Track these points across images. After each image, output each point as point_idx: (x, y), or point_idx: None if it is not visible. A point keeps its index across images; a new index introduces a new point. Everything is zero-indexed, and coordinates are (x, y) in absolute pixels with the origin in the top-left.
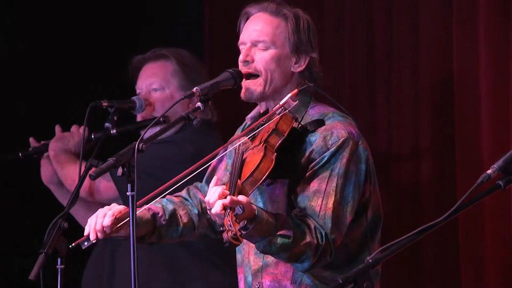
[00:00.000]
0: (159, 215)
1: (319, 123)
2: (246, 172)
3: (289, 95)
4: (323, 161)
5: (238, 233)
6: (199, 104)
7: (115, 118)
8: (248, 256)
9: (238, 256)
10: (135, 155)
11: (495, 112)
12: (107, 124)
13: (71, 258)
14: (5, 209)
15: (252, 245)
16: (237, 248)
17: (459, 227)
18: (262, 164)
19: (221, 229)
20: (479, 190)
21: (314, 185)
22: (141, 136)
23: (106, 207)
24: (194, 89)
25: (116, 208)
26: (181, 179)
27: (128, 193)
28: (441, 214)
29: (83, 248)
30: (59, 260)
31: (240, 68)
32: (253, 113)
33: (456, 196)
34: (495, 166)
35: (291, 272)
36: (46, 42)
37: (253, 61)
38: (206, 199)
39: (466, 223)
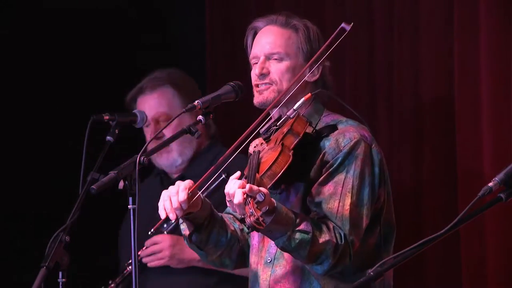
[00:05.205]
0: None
1: (332, 128)
2: (264, 167)
3: (303, 99)
4: (337, 163)
5: (261, 218)
6: (200, 117)
7: (117, 131)
8: (257, 266)
9: (250, 274)
10: (137, 168)
11: (496, 124)
12: (108, 138)
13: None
14: (5, 222)
15: (262, 255)
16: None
17: (461, 240)
18: (280, 158)
19: (243, 216)
20: (480, 203)
21: (329, 188)
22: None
23: (171, 187)
24: (196, 102)
25: (185, 183)
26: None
27: (129, 206)
28: (443, 227)
29: (165, 232)
30: (60, 273)
31: (255, 81)
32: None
33: (457, 208)
34: (496, 179)
35: (299, 281)
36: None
37: (268, 73)
38: (226, 190)
39: (468, 236)
